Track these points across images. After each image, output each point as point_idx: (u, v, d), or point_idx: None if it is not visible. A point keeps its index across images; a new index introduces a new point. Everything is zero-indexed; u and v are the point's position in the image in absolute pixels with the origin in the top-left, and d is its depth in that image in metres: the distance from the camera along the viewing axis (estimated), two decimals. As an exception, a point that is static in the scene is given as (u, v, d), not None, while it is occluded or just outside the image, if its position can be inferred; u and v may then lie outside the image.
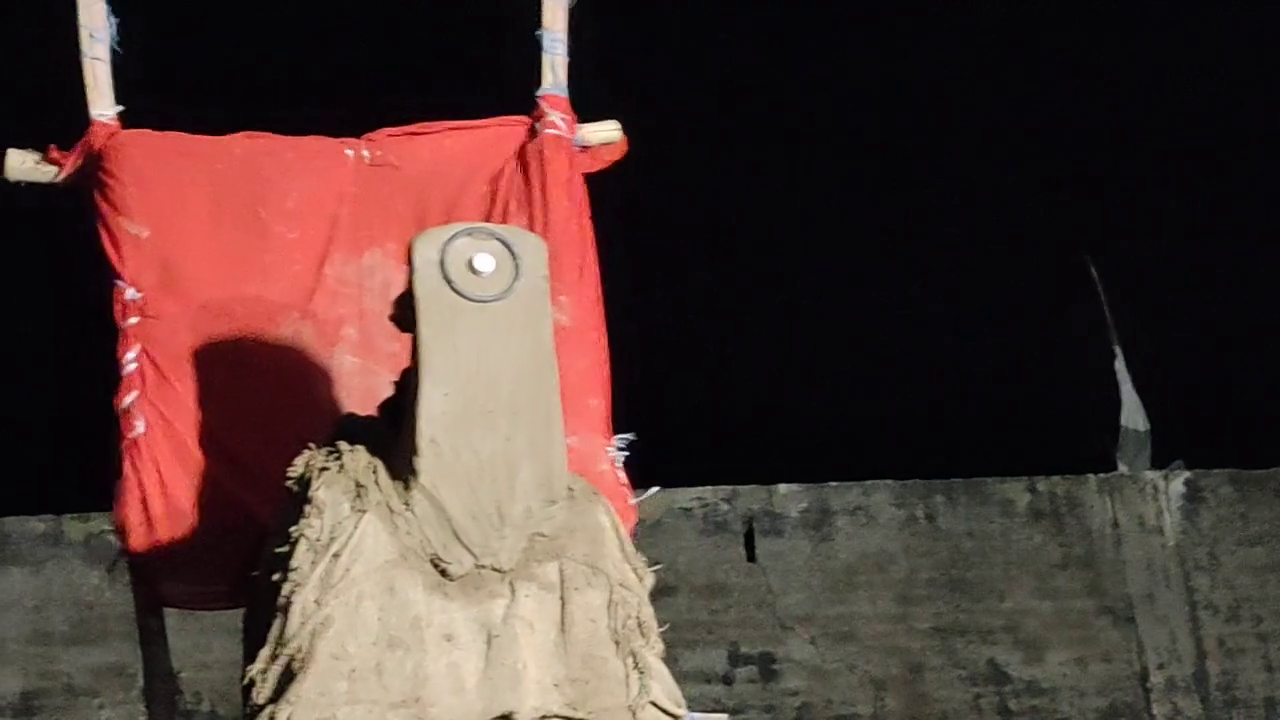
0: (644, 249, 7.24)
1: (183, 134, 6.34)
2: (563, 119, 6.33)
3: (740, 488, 11.10)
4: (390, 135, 6.46)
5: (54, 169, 6.17)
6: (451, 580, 5.17)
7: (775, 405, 11.25)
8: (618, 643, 5.31)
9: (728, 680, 10.79)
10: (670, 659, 5.88)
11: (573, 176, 6.31)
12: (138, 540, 5.87)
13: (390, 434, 5.36)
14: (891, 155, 10.96)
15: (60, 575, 10.85)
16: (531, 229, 5.89)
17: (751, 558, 11.02)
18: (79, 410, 6.85)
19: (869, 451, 11.16)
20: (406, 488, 5.18)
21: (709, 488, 11.02)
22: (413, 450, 5.15)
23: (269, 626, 5.14)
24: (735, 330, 11.13)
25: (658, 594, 7.58)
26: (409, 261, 5.32)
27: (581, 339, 6.17)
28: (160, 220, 6.17)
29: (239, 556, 5.69)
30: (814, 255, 11.28)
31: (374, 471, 5.30)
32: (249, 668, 5.15)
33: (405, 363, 5.40)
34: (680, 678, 6.15)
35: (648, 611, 5.41)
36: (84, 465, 7.09)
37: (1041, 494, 11.21)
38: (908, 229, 11.25)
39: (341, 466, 5.34)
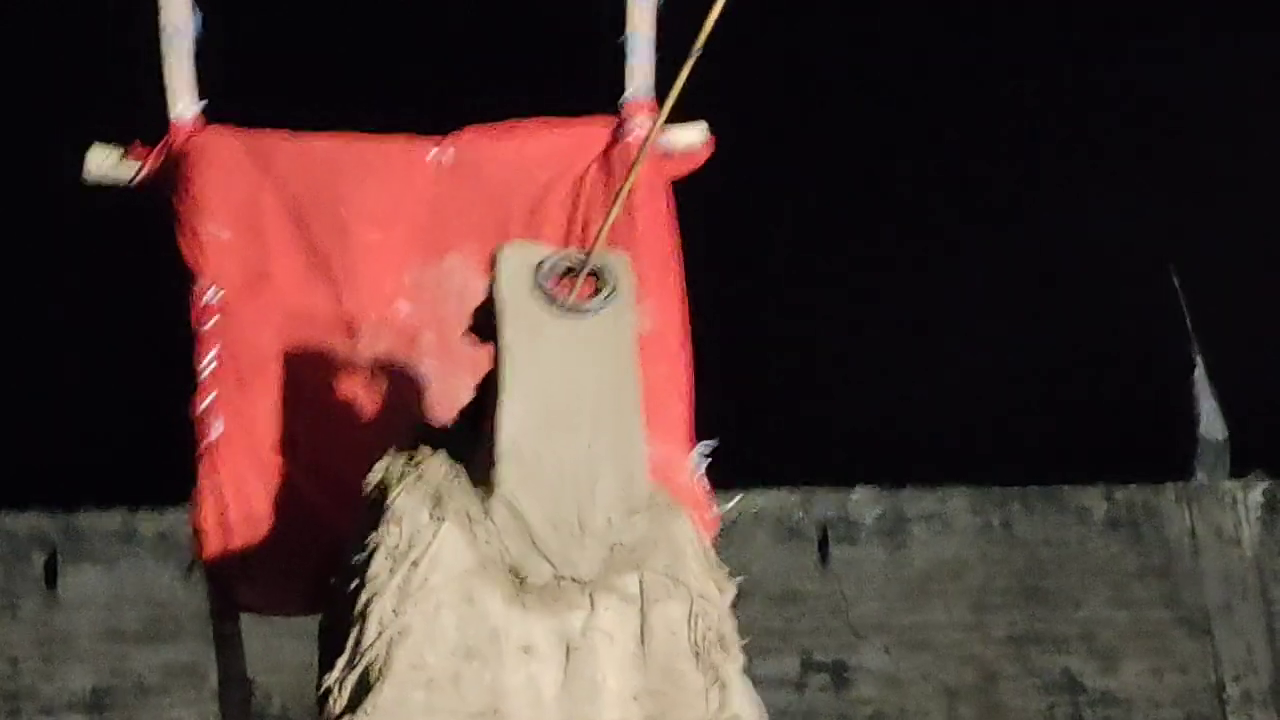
0: (724, 248, 7.16)
1: (265, 131, 6.33)
2: (646, 123, 6.24)
3: (815, 491, 11.11)
4: (473, 136, 6.43)
5: (133, 168, 6.17)
6: (530, 591, 5.13)
7: (850, 408, 11.08)
8: (698, 655, 5.26)
9: (800, 687, 10.79)
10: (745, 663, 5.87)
11: (657, 182, 6.27)
12: (214, 546, 5.88)
13: (470, 440, 5.31)
14: (968, 160, 10.91)
15: (133, 572, 10.89)
16: (615, 235, 5.75)
17: (825, 564, 11.04)
18: (153, 403, 6.89)
19: (945, 457, 11.12)
20: (486, 496, 5.15)
21: (783, 491, 11.03)
22: (493, 459, 5.12)
23: (346, 635, 5.11)
24: (812, 333, 11.06)
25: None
26: (493, 271, 5.31)
27: (663, 345, 6.13)
28: (242, 221, 6.18)
29: (315, 563, 5.69)
30: (893, 260, 11.24)
31: (453, 479, 5.26)
32: (325, 676, 5.12)
33: (485, 367, 5.36)
34: (754, 682, 6.18)
35: (729, 624, 5.38)
36: (158, 459, 7.10)
37: (1119, 503, 11.23)
38: (988, 235, 11.20)
39: (420, 474, 5.31)
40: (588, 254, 5.37)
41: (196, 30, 6.22)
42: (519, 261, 5.33)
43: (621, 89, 6.37)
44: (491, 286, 5.32)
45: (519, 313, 5.28)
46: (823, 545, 11.03)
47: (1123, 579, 11.06)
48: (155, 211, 6.19)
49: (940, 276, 11.23)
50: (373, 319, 6.19)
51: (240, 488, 5.96)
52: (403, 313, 6.21)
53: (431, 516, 5.20)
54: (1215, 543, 11.12)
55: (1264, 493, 11.23)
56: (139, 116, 6.21)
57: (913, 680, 10.86)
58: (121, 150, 6.16)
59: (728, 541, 9.83)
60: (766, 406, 10.58)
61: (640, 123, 6.29)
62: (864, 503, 11.12)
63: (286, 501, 5.99)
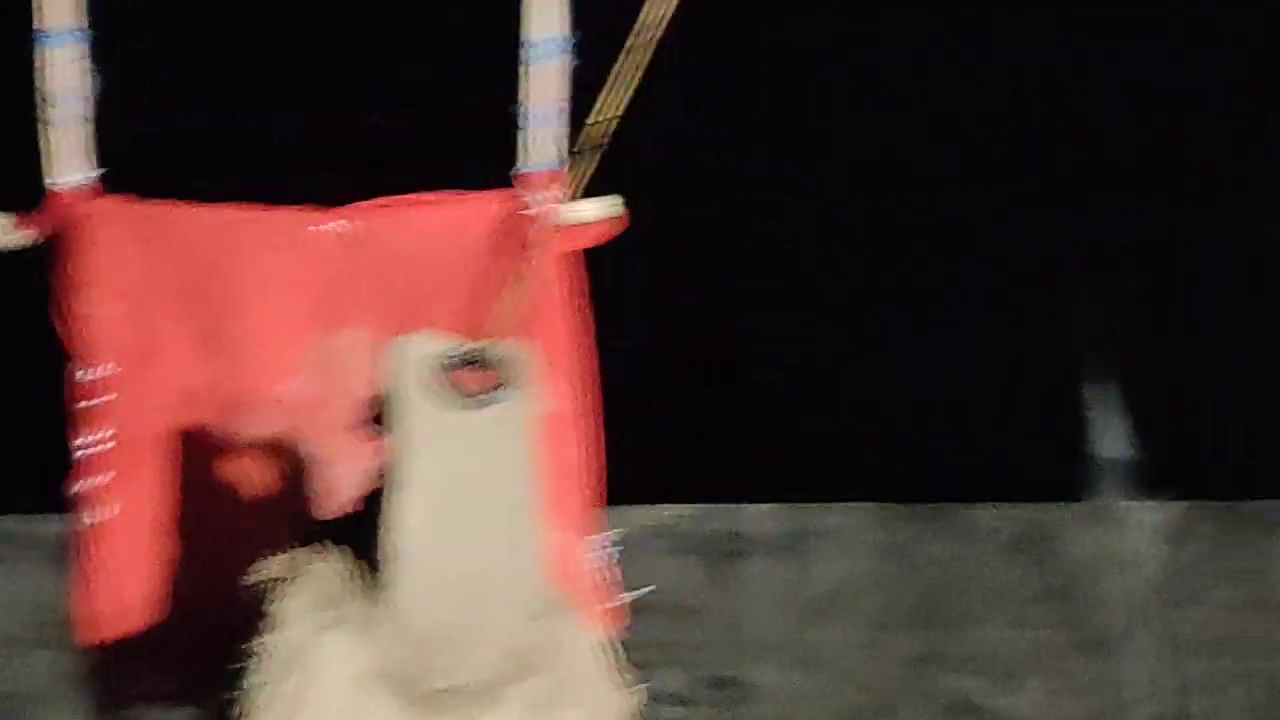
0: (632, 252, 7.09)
1: (159, 202, 6.32)
2: (551, 196, 6.36)
3: (713, 506, 11.01)
4: (372, 209, 6.46)
5: (27, 234, 6.23)
6: (423, 702, 5.15)
7: (751, 422, 11.01)
8: None
9: (690, 704, 10.74)
10: (642, 677, 6.14)
11: (563, 256, 6.33)
12: (95, 633, 5.98)
13: (365, 538, 5.31)
14: (874, 165, 10.86)
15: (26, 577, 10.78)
16: (519, 312, 5.99)
17: (722, 579, 10.94)
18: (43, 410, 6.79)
19: (847, 474, 10.99)
20: (379, 601, 5.17)
21: (680, 505, 10.92)
22: (385, 561, 5.17)
23: None
24: (708, 343, 10.99)
25: (627, 615, 7.61)
26: (390, 363, 5.37)
27: (565, 429, 6.16)
28: (133, 297, 6.21)
29: (204, 655, 5.69)
30: (800, 268, 11.13)
31: (345, 582, 5.32)
32: None
33: (383, 450, 5.41)
34: (646, 699, 6.25)
35: None
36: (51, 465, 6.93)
37: (1020, 523, 11.16)
38: (894, 248, 11.20)
39: (311, 575, 5.36)
40: (486, 345, 5.45)
41: (89, 92, 6.27)
42: (417, 352, 5.37)
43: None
44: (388, 378, 5.37)
45: (416, 406, 5.31)
46: (719, 561, 10.93)
47: (1023, 601, 10.98)
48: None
49: (845, 288, 11.19)
50: (266, 397, 6.18)
51: (122, 575, 6.01)
52: (294, 390, 6.14)
53: (320, 622, 5.21)
54: (1117, 565, 11.07)
55: (1167, 515, 11.13)
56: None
57: (809, 700, 10.78)
58: (13, 217, 6.21)
59: (623, 556, 9.94)
60: (666, 419, 10.48)
61: (545, 195, 6.34)
62: (763, 518, 11.02)
63: (170, 591, 6.02)
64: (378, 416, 5.57)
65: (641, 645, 7.88)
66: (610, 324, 6.81)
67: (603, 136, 6.01)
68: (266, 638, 5.29)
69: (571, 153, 6.26)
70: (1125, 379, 11.28)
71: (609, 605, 6.34)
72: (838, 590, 11.00)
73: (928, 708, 10.87)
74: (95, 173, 6.34)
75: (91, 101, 6.40)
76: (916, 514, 11.11)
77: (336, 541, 5.55)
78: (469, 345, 5.58)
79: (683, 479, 10.72)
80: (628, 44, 5.80)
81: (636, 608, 10.27)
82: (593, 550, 6.44)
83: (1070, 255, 11.41)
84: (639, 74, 5.79)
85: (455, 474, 5.39)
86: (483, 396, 5.45)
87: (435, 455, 5.38)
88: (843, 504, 11.07)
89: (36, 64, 6.33)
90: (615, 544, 6.86)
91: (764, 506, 11.06)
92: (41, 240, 6.31)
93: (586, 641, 5.57)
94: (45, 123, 6.34)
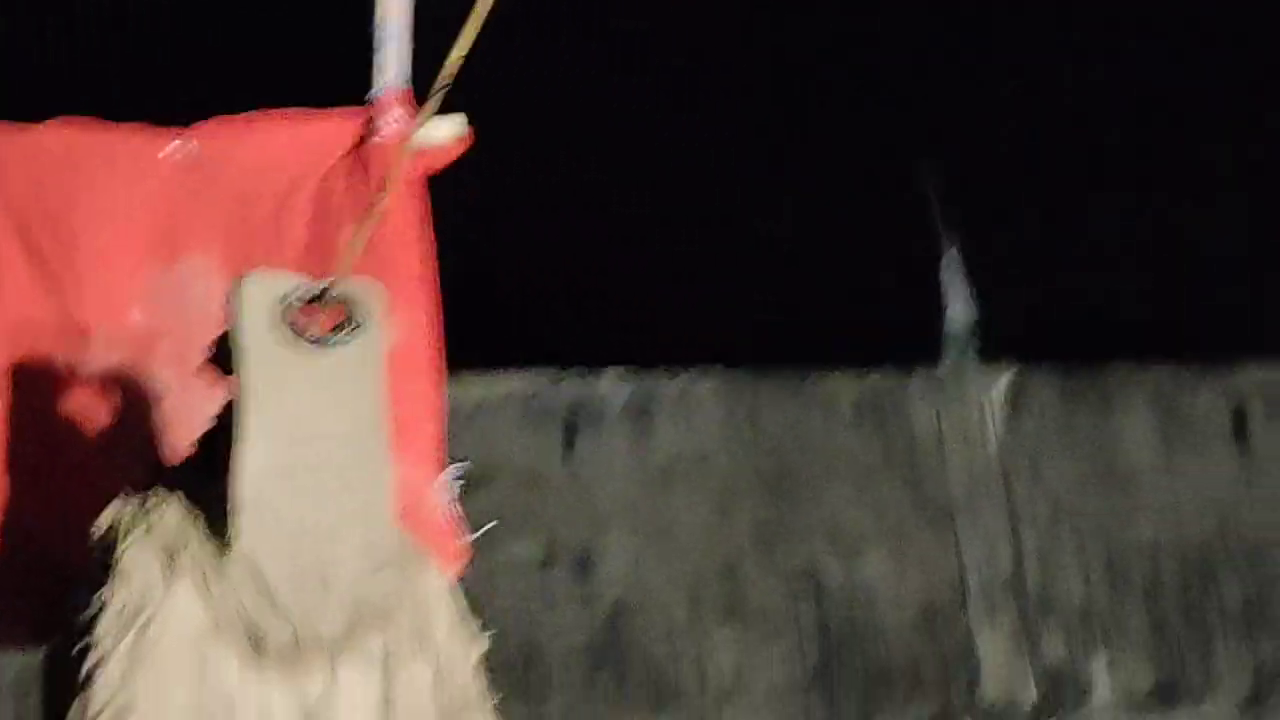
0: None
1: None
2: (399, 119, 6.29)
3: (563, 373, 11.00)
4: (214, 128, 6.34)
5: None
6: (269, 653, 5.10)
7: (602, 289, 10.94)
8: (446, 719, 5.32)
9: (544, 569, 10.70)
10: (486, 548, 6.46)
11: (408, 184, 6.24)
12: None
13: (207, 483, 5.22)
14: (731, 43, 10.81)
15: None
16: (361, 234, 5.70)
17: (571, 448, 10.92)
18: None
19: (694, 341, 11.01)
20: (223, 550, 5.08)
21: (531, 372, 10.91)
22: (230, 510, 5.06)
23: (70, 700, 5.04)
24: (563, 206, 10.94)
25: (476, 484, 7.86)
26: (230, 304, 5.22)
27: (415, 359, 6.17)
28: None
29: (41, 595, 5.67)
30: (652, 139, 11.10)
31: (188, 530, 5.19)
32: None
33: (224, 380, 5.32)
34: (495, 567, 6.17)
35: (477, 687, 5.47)
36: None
37: (866, 392, 11.23)
38: (749, 119, 11.25)
39: (152, 524, 5.23)
40: (332, 283, 5.29)
41: None
42: (260, 292, 5.22)
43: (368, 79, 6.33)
44: (229, 321, 5.24)
45: (260, 349, 5.20)
46: (569, 429, 10.92)
47: (867, 469, 11.07)
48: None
49: (698, 158, 11.18)
50: (105, 328, 6.10)
51: None
52: (137, 321, 6.13)
53: (164, 573, 5.10)
54: (960, 435, 11.19)
55: (1009, 384, 11.28)
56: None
57: (658, 567, 10.82)
58: None
59: (473, 425, 10.14)
60: (517, 286, 10.47)
61: (394, 117, 6.28)
62: (611, 387, 11.02)
63: (12, 527, 5.89)
64: (220, 357, 5.45)
65: (492, 514, 8.32)
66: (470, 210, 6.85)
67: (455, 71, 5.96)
68: (109, 589, 5.17)
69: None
70: (968, 248, 11.38)
71: (455, 542, 6.29)
72: (685, 458, 11.02)
73: (772, 576, 10.91)
74: None
75: None
76: (763, 381, 11.14)
77: (179, 487, 5.41)
78: (314, 283, 5.46)
79: (533, 347, 10.70)
80: None
81: (488, 477, 10.22)
82: (442, 487, 6.38)
83: (921, 135, 11.40)
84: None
85: (301, 418, 5.31)
86: (329, 337, 5.36)
87: (279, 399, 5.29)
88: (690, 371, 11.10)
89: None
90: (459, 416, 6.83)
91: (612, 373, 11.06)
92: None
93: (437, 589, 5.52)
94: None
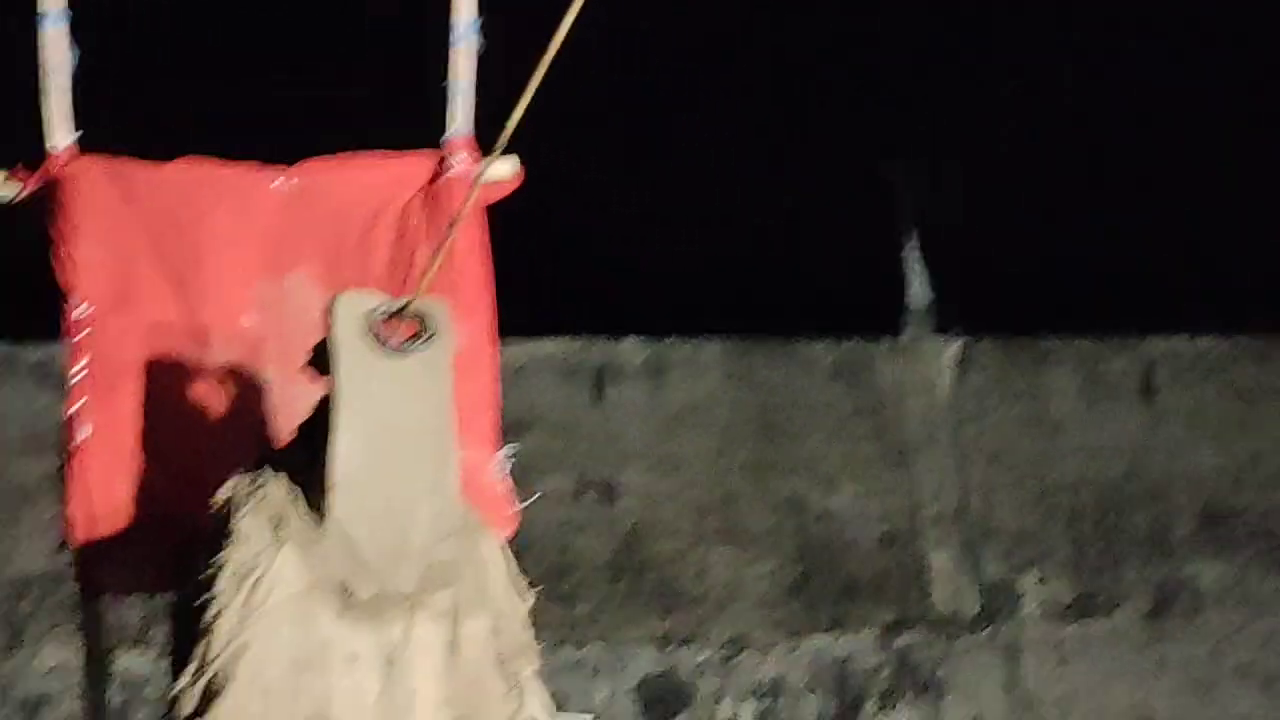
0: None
1: (129, 160, 6.16)
2: (466, 160, 6.26)
3: (592, 339, 11.08)
4: (312, 167, 6.34)
5: (15, 188, 6.07)
6: (356, 606, 5.10)
7: (623, 264, 11.05)
8: (501, 663, 5.25)
9: (576, 501, 10.85)
10: (526, 484, 6.22)
11: (473, 213, 6.14)
12: (83, 535, 5.82)
13: (307, 465, 5.23)
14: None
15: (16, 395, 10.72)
16: (436, 260, 5.64)
17: (599, 400, 11.02)
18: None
19: (701, 311, 11.06)
20: (320, 521, 5.10)
21: (565, 339, 11.00)
22: (325, 488, 5.07)
23: (194, 643, 5.06)
24: (593, 204, 10.89)
25: (519, 429, 7.81)
26: (327, 316, 5.21)
27: (475, 362, 6.08)
28: (109, 245, 6.04)
29: (171, 550, 5.64)
30: (666, 114, 10.98)
31: (291, 504, 5.20)
32: (175, 683, 5.09)
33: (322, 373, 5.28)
34: (535, 498, 6.27)
35: (527, 634, 5.36)
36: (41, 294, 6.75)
37: (841, 355, 11.23)
38: (735, 82, 11.13)
39: (263, 498, 5.24)
40: (410, 300, 5.28)
41: (72, 66, 6.07)
42: (351, 308, 5.26)
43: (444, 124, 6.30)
44: (326, 330, 5.23)
45: (350, 355, 5.21)
46: (597, 385, 10.99)
47: (841, 419, 11.09)
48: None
49: (701, 134, 11.08)
50: (222, 331, 6.11)
51: (105, 484, 5.85)
52: (249, 325, 6.13)
53: (272, 539, 5.13)
54: (918, 391, 11.20)
55: (959, 350, 11.26)
56: (26, 138, 6.07)
57: (668, 498, 10.92)
58: (5, 172, 6.06)
59: (517, 382, 9.74)
60: (555, 265, 10.47)
61: (462, 158, 6.26)
62: (632, 350, 11.07)
63: (146, 496, 5.88)
64: (318, 360, 5.38)
65: (532, 455, 7.92)
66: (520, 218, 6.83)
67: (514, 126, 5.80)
68: (228, 552, 5.16)
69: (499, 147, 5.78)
70: (925, 239, 11.37)
71: (508, 510, 6.18)
72: (692, 409, 11.06)
73: (764, 504, 10.97)
74: (75, 135, 6.11)
75: (71, 74, 6.14)
76: (757, 346, 11.17)
77: (283, 468, 5.36)
78: (395, 300, 5.42)
79: (565, 317, 10.75)
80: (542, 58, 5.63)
81: (528, 424, 10.30)
82: (498, 465, 6.23)
83: (890, 140, 11.34)
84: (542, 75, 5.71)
85: (383, 414, 5.28)
86: (407, 345, 5.32)
87: (365, 396, 5.27)
88: (696, 338, 11.14)
89: (39, 43, 6.11)
90: (507, 373, 6.77)
91: (632, 339, 11.11)
92: (30, 193, 6.12)
93: (494, 553, 5.49)
94: (45, 90, 6.12)
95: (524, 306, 6.74)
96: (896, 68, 11.53)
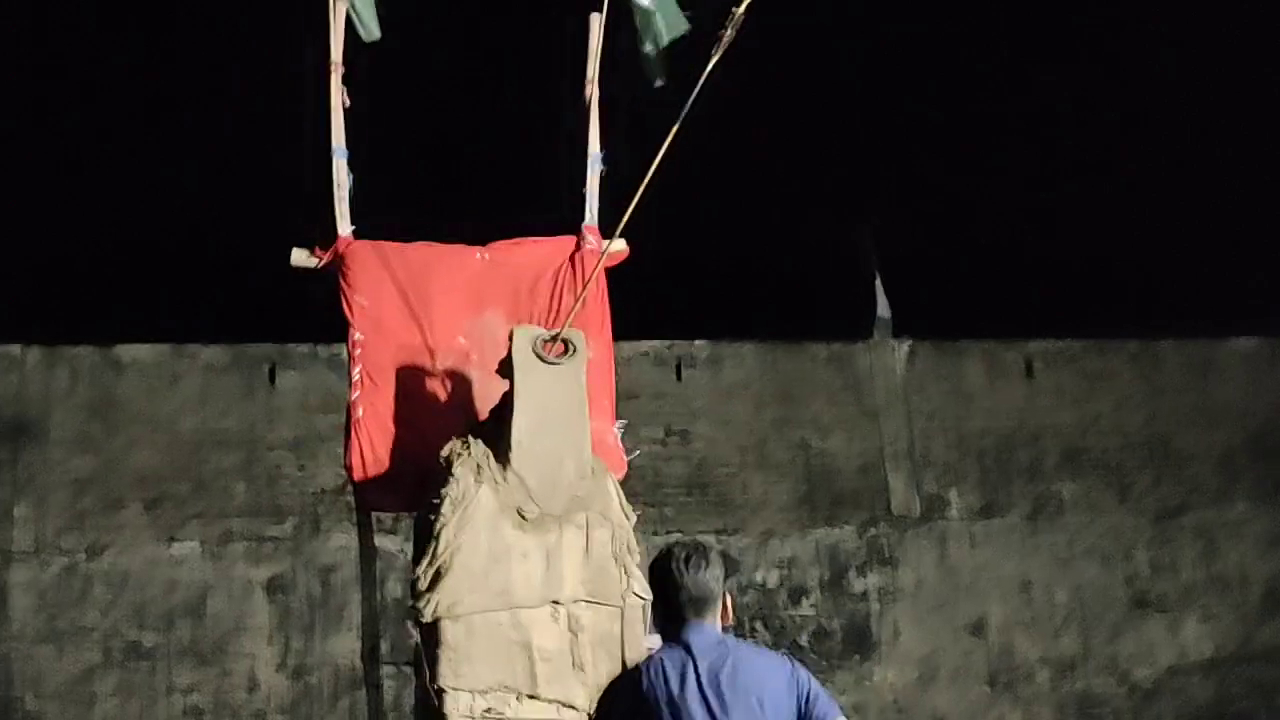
0: None
1: (385, 242, 6.27)
2: (595, 240, 6.30)
3: (674, 341, 11.62)
4: (499, 245, 6.39)
5: (315, 260, 6.17)
6: (528, 522, 5.28)
7: (692, 294, 11.38)
8: (615, 558, 5.30)
9: (664, 444, 11.31)
10: (633, 432, 6.25)
11: (600, 273, 6.19)
12: (358, 473, 5.92)
13: (495, 434, 5.47)
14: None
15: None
16: (576, 305, 5.84)
17: (679, 379, 11.57)
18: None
19: (743, 323, 11.42)
20: (504, 468, 5.30)
21: (657, 340, 11.54)
22: (508, 447, 5.33)
23: (426, 547, 5.29)
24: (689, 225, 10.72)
25: (628, 398, 8.13)
26: (510, 342, 5.51)
27: (601, 366, 6.07)
28: (373, 295, 6.14)
29: (414, 483, 5.78)
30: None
31: (487, 458, 5.39)
32: (416, 569, 5.25)
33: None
34: (638, 442, 6.40)
35: (633, 540, 5.39)
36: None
37: (834, 350, 11.78)
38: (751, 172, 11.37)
39: (469, 454, 5.42)
40: (559, 331, 5.55)
41: (350, 183, 6.16)
42: (525, 335, 5.55)
43: (581, 215, 6.32)
44: (510, 349, 5.51)
45: (524, 364, 5.49)
46: (678, 369, 11.53)
47: (833, 391, 11.59)
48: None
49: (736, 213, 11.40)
50: (444, 347, 6.11)
51: (372, 443, 5.92)
52: (461, 343, 6.13)
53: (475, 480, 5.33)
54: (883, 371, 11.69)
55: (908, 348, 11.76)
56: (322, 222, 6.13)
57: (725, 440, 11.44)
58: (309, 250, 6.17)
59: (628, 367, 10.47)
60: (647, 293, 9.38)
61: (591, 240, 6.29)
62: (700, 347, 11.60)
63: (399, 449, 5.93)
64: (506, 371, 5.56)
65: (637, 415, 9.00)
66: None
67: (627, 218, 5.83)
68: (448, 487, 5.35)
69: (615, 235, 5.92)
70: (885, 280, 11.69)
71: (621, 461, 6.10)
72: (738, 384, 11.62)
73: (784, 445, 11.54)
74: (352, 227, 6.22)
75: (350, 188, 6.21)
76: (778, 346, 11.68)
77: (481, 436, 5.55)
78: (551, 331, 5.59)
79: (658, 326, 11.15)
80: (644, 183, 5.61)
81: (635, 395, 10.87)
82: (614, 431, 6.18)
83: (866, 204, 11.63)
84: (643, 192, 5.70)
85: (543, 401, 5.43)
86: (558, 359, 5.49)
87: (533, 391, 5.44)
88: (740, 341, 11.60)
89: (334, 169, 6.17)
90: (620, 363, 6.48)
91: (700, 340, 11.66)
92: (324, 264, 6.18)
93: (612, 487, 5.50)
94: (335, 200, 6.18)
95: (634, 321, 7.00)
96: (867, 155, 11.63)
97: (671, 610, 4.78)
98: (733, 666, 4.64)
